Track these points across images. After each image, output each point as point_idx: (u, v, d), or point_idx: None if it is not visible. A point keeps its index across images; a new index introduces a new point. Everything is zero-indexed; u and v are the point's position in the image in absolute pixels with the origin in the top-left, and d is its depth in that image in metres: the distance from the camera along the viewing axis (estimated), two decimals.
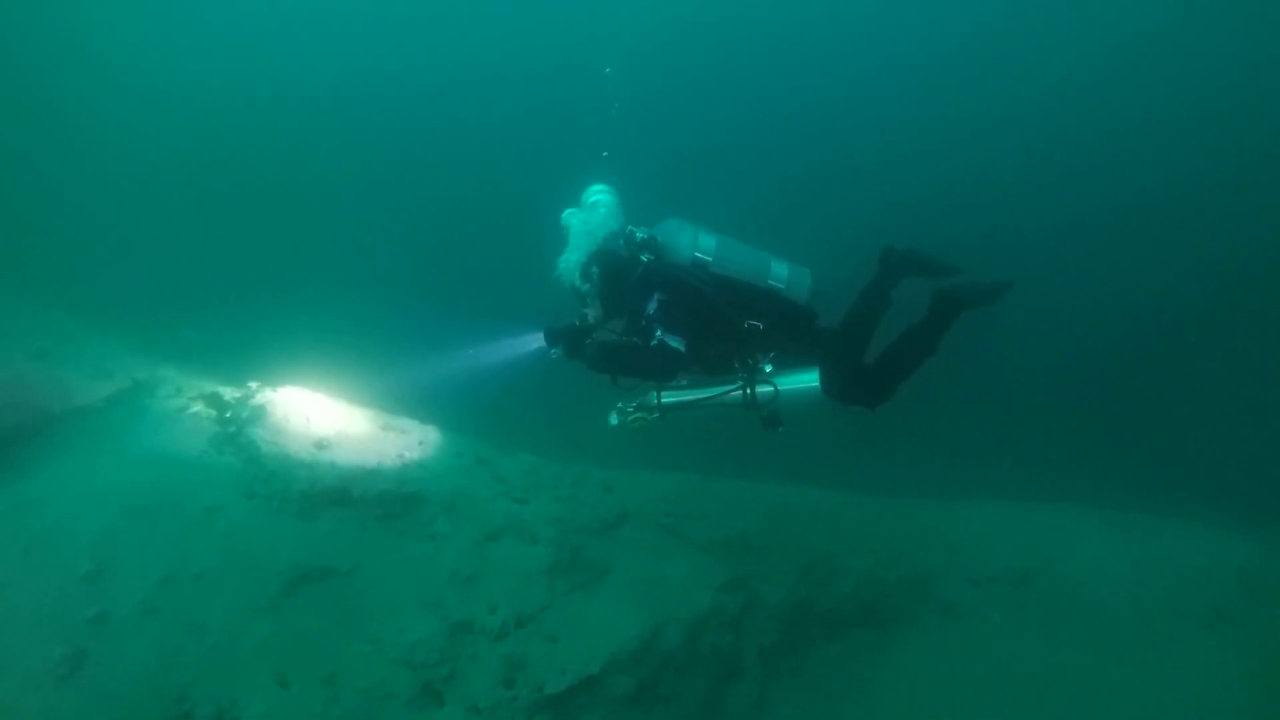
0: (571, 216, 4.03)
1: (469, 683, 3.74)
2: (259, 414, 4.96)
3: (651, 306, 3.82)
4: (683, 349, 3.78)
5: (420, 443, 4.98)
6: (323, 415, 5.08)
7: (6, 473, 4.56)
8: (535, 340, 4.03)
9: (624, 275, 4.00)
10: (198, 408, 5.17)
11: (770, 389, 3.80)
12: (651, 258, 3.94)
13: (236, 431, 4.78)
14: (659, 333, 3.81)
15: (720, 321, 3.85)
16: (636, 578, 4.45)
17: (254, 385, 5.36)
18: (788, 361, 3.91)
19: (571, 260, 4.10)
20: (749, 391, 3.82)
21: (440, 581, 4.08)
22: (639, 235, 4.00)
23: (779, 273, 3.96)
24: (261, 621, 3.74)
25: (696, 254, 3.91)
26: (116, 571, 3.75)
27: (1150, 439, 10.35)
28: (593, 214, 4.03)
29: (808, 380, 3.83)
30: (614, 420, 3.95)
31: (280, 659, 3.62)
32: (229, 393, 5.31)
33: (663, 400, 3.92)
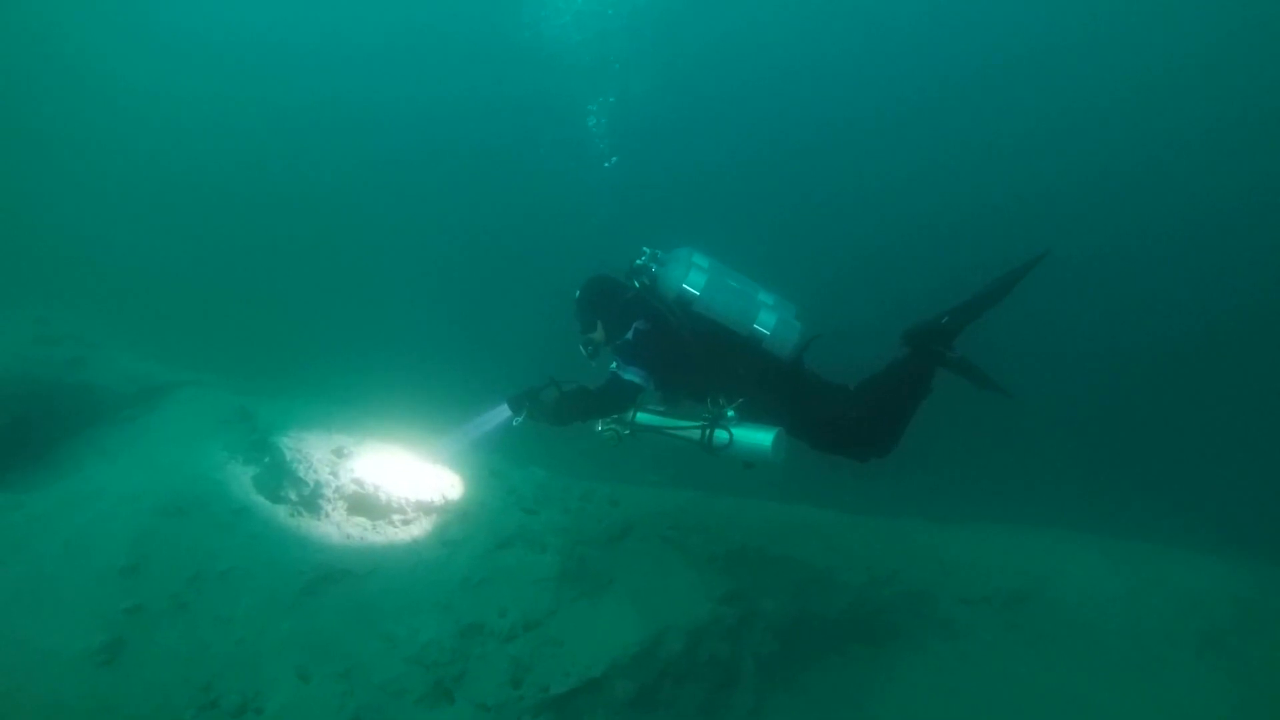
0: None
1: (478, 682, 3.92)
2: (281, 423, 5.20)
3: (629, 333, 4.01)
4: (640, 380, 3.94)
5: (437, 460, 5.21)
6: (340, 427, 5.32)
7: (46, 473, 4.83)
8: (502, 412, 4.20)
9: (615, 296, 4.21)
10: (222, 416, 5.42)
11: (725, 435, 3.90)
12: (643, 284, 4.11)
13: (260, 439, 5.02)
14: (613, 365, 4.00)
15: (691, 359, 3.95)
16: (639, 587, 4.64)
17: (274, 401, 5.62)
18: (756, 412, 3.99)
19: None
20: (706, 433, 3.95)
21: (452, 585, 4.29)
22: (639, 260, 4.17)
23: (765, 321, 3.97)
24: (284, 618, 3.94)
25: (684, 288, 3.98)
26: (151, 567, 3.96)
27: (1145, 466, 10.48)
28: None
29: (761, 439, 3.88)
30: (598, 427, 4.19)
31: (301, 654, 3.81)
32: (251, 403, 5.57)
33: (637, 419, 4.13)
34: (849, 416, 4.03)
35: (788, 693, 4.87)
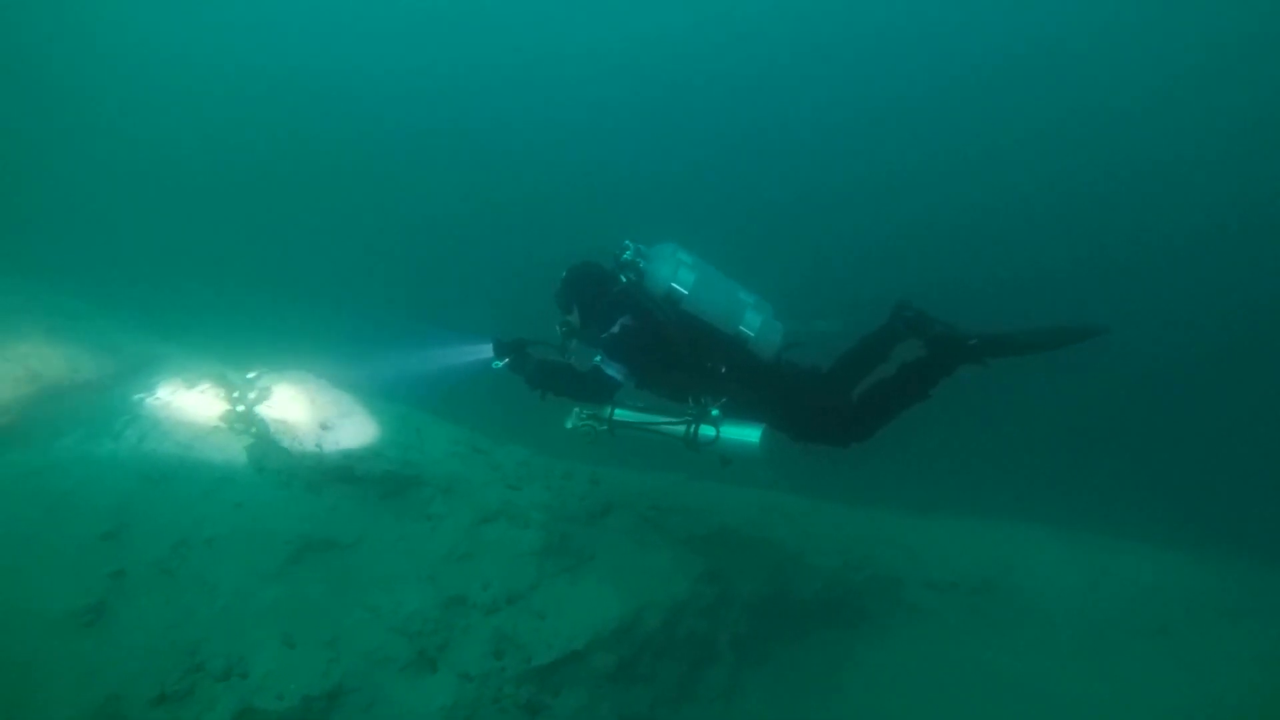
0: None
1: (461, 652, 3.99)
2: (265, 395, 5.20)
3: (615, 328, 4.03)
4: (620, 377, 3.98)
5: (419, 429, 5.25)
6: (324, 399, 5.32)
7: (24, 439, 4.78)
8: (484, 350, 4.25)
9: (601, 288, 4.20)
10: (205, 386, 5.39)
11: (712, 432, 3.97)
12: (630, 279, 4.11)
13: (245, 410, 5.02)
14: (597, 359, 4.04)
15: (675, 357, 4.00)
16: (620, 564, 4.73)
17: (255, 371, 5.60)
18: (739, 409, 4.04)
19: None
20: (690, 429, 4.02)
21: (436, 558, 4.34)
22: (625, 255, 4.15)
23: (751, 322, 4.03)
24: (269, 586, 3.96)
25: (673, 286, 4.01)
26: (134, 533, 3.96)
27: (1108, 463, 10.81)
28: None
29: (748, 435, 3.94)
30: (569, 424, 4.21)
31: (286, 621, 3.84)
32: (234, 374, 5.55)
33: (615, 415, 4.15)
34: (829, 405, 4.13)
35: (762, 670, 5.00)
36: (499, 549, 4.46)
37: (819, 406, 4.11)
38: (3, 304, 5.75)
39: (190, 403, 5.13)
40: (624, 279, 4.12)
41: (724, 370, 4.06)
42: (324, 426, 4.89)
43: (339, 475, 4.55)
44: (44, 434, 4.75)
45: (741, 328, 4.03)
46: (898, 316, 4.22)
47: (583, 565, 4.60)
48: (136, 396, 5.28)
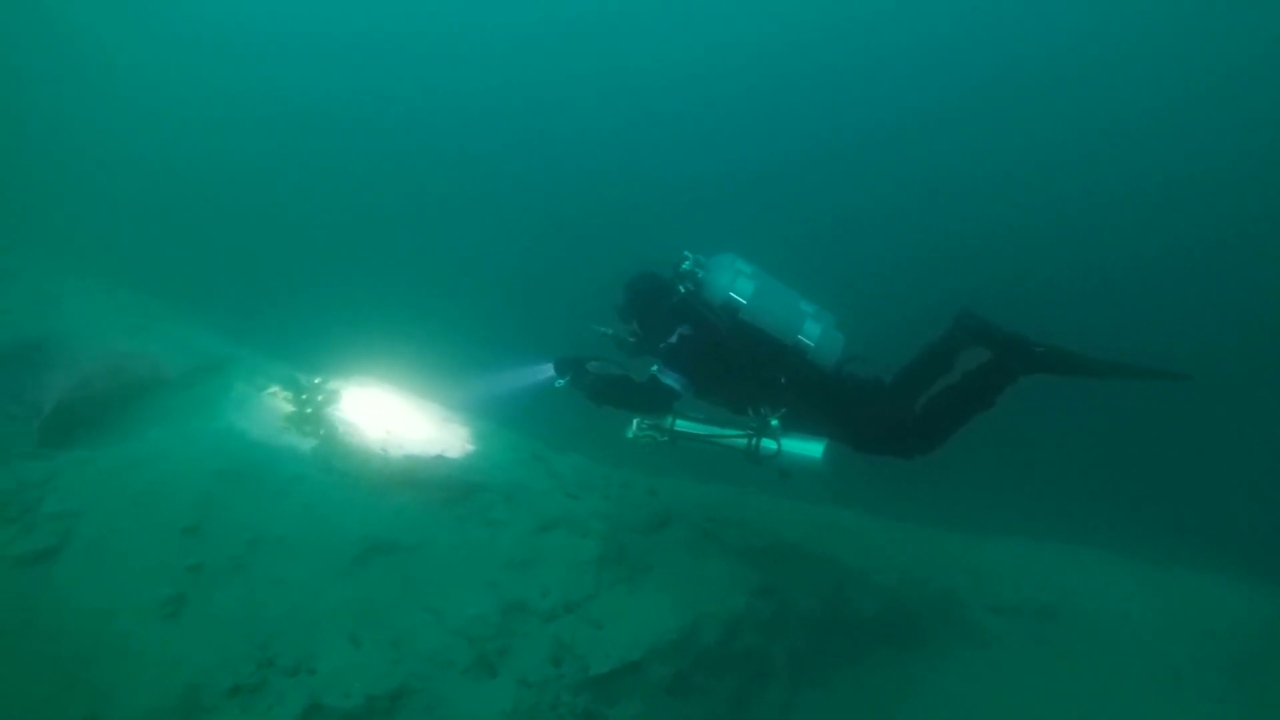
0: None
1: (520, 658, 4.02)
2: (332, 398, 5.34)
3: (673, 338, 4.05)
4: (678, 387, 3.98)
5: (480, 436, 5.33)
6: (389, 404, 5.45)
7: (110, 434, 5.00)
8: (546, 370, 4.29)
9: (659, 298, 4.23)
10: (274, 389, 5.57)
11: (774, 445, 3.94)
12: (688, 289, 4.12)
13: (313, 413, 5.16)
14: (655, 368, 4.04)
15: (734, 367, 3.98)
16: (677, 576, 4.72)
17: (322, 376, 5.76)
18: (800, 421, 4.02)
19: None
20: (752, 442, 3.99)
21: (497, 564, 4.39)
22: (684, 265, 4.17)
23: (810, 332, 3.99)
24: (336, 585, 4.06)
25: (731, 295, 3.99)
26: (211, 529, 4.09)
27: (1180, 489, 10.39)
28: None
29: (811, 450, 3.92)
30: (629, 434, 4.22)
31: (352, 620, 3.93)
32: (303, 378, 5.72)
33: (676, 426, 4.15)
34: (892, 416, 4.08)
35: (818, 690, 4.93)
36: (558, 557, 4.49)
37: (881, 417, 4.06)
38: (91, 304, 6.02)
39: (262, 404, 5.30)
40: (682, 289, 4.14)
41: (783, 380, 4.03)
42: (388, 431, 5.00)
43: (403, 479, 4.64)
44: (129, 430, 4.97)
45: (801, 337, 4.00)
46: (960, 325, 4.16)
47: (640, 576, 4.60)
48: (212, 396, 5.48)
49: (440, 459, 4.83)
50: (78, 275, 6.23)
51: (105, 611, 3.59)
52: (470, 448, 5.09)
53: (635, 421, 4.22)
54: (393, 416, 5.18)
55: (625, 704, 4.11)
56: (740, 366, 4.01)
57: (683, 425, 4.16)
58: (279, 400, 5.37)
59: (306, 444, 4.80)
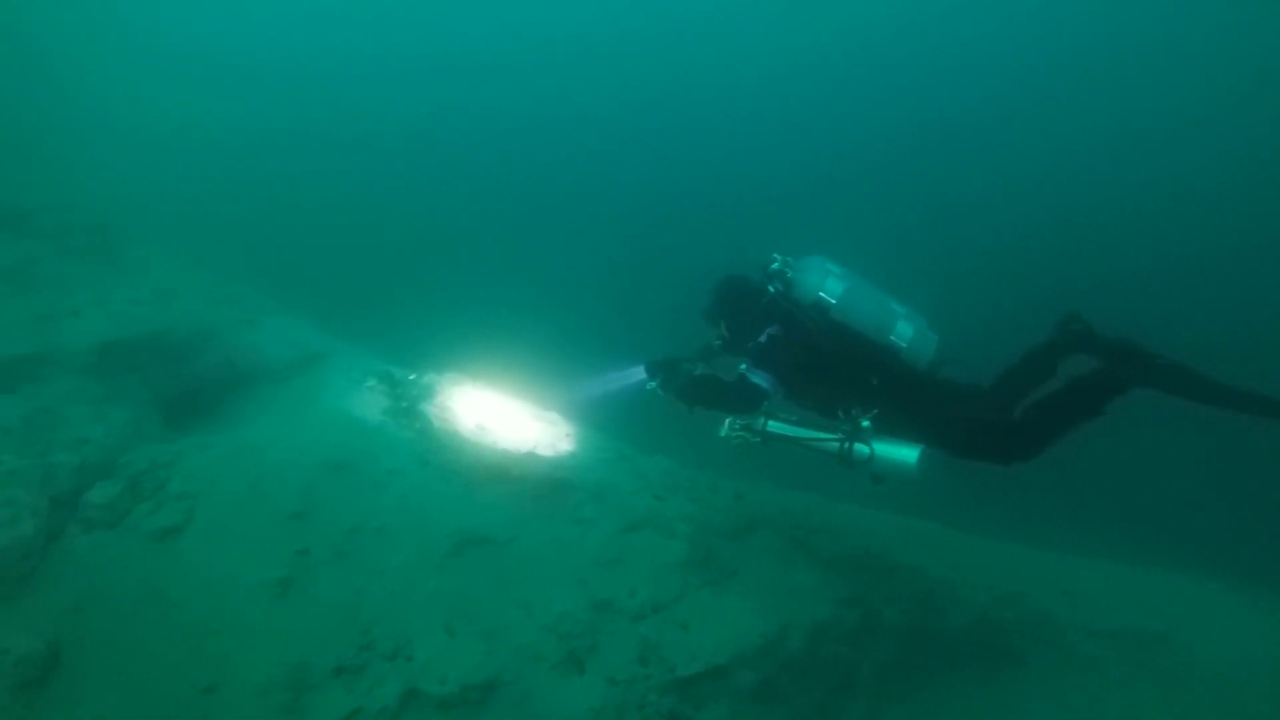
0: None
1: (608, 656, 4.06)
2: (427, 393, 5.51)
3: (762, 337, 4.02)
4: (767, 386, 3.92)
5: (568, 435, 5.41)
6: (482, 401, 5.59)
7: (223, 421, 5.29)
8: (638, 372, 4.31)
9: (748, 300, 4.22)
10: (372, 382, 5.78)
11: (866, 450, 3.85)
12: (778, 290, 4.09)
13: (409, 407, 5.34)
14: (743, 368, 4.00)
15: (824, 367, 3.93)
16: (763, 581, 4.68)
17: (417, 372, 5.95)
18: (892, 423, 3.92)
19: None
20: (845, 446, 3.91)
21: (585, 561, 4.45)
22: (773, 266, 4.16)
23: (903, 332, 3.92)
24: (432, 576, 4.18)
25: (820, 295, 3.95)
26: (316, 516, 4.28)
27: None
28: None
29: (906, 455, 3.81)
30: (722, 432, 4.21)
31: (447, 611, 4.04)
32: (398, 372, 5.92)
33: (768, 427, 4.11)
34: (990, 421, 3.95)
35: (905, 705, 4.81)
36: (646, 557, 4.52)
37: (979, 421, 3.93)
38: (204, 299, 6.36)
39: (361, 397, 5.51)
40: (771, 289, 4.12)
41: (875, 382, 3.96)
42: (481, 427, 5.12)
43: (495, 474, 4.75)
44: (240, 417, 5.24)
45: (892, 338, 3.93)
46: (1065, 330, 4.02)
47: (727, 580, 4.59)
48: (313, 388, 5.73)
49: (531, 455, 4.92)
50: (194, 271, 6.60)
51: (223, 588, 3.80)
52: (560, 446, 5.17)
53: (728, 421, 4.22)
54: (485, 412, 5.31)
55: (711, 707, 4.10)
56: (831, 367, 3.96)
57: (775, 426, 4.14)
58: (376, 394, 5.57)
59: (404, 437, 4.96)
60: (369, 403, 5.44)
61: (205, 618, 3.68)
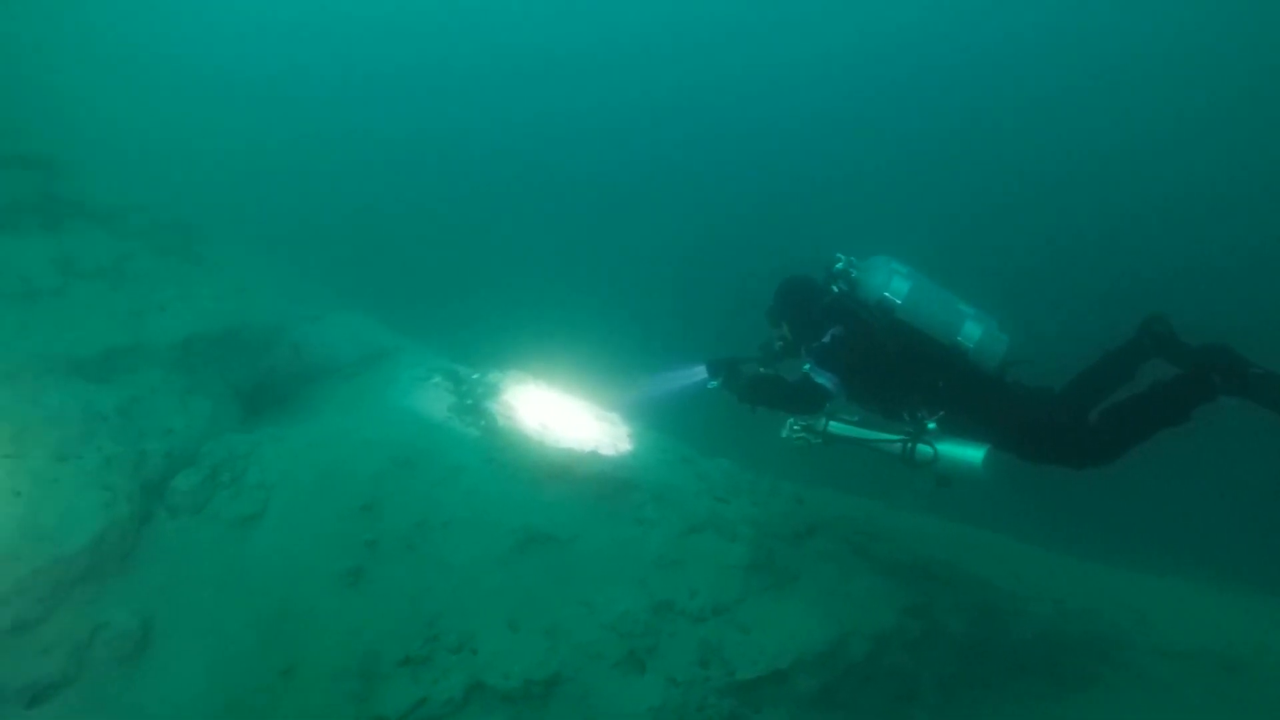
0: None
1: (669, 657, 4.07)
2: (491, 391, 5.60)
3: (826, 338, 3.99)
4: (830, 386, 3.89)
5: (630, 435, 5.44)
6: (544, 400, 5.66)
7: (294, 414, 5.46)
8: (699, 372, 4.30)
9: (811, 300, 4.20)
10: (437, 379, 5.89)
11: (930, 451, 3.78)
12: (841, 290, 4.06)
13: (473, 404, 5.43)
14: (806, 367, 3.96)
15: (888, 368, 3.87)
16: (824, 587, 4.64)
17: (481, 370, 6.05)
18: (958, 425, 3.84)
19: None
20: (908, 447, 3.84)
21: (647, 562, 4.47)
22: (837, 265, 4.15)
23: (970, 333, 3.85)
24: (496, 571, 4.24)
25: (885, 294, 3.90)
26: (385, 509, 4.38)
27: None
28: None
29: (971, 455, 3.74)
30: (783, 434, 4.18)
31: (510, 606, 4.10)
32: (462, 370, 6.02)
33: (829, 428, 4.06)
34: (1064, 423, 3.84)
35: (967, 719, 4.71)
36: (707, 559, 4.52)
37: (1052, 423, 3.82)
38: (276, 295, 6.58)
39: (426, 394, 5.63)
40: (835, 289, 4.08)
41: (941, 384, 3.89)
42: (543, 425, 5.18)
43: (558, 473, 4.80)
44: (311, 411, 5.41)
45: (959, 338, 3.86)
46: (1148, 331, 3.90)
47: (788, 584, 4.56)
48: (380, 384, 5.87)
49: (594, 455, 4.97)
50: (267, 269, 6.82)
51: (297, 575, 3.93)
52: (622, 446, 5.21)
53: (789, 422, 4.20)
54: (548, 411, 5.37)
55: (771, 711, 4.09)
56: (895, 368, 3.91)
57: (836, 427, 4.10)
58: (441, 390, 5.68)
59: (469, 434, 5.05)
60: (434, 399, 5.55)
61: (281, 603, 3.81)
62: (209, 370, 5.13)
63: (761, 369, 4.31)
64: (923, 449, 3.84)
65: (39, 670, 3.05)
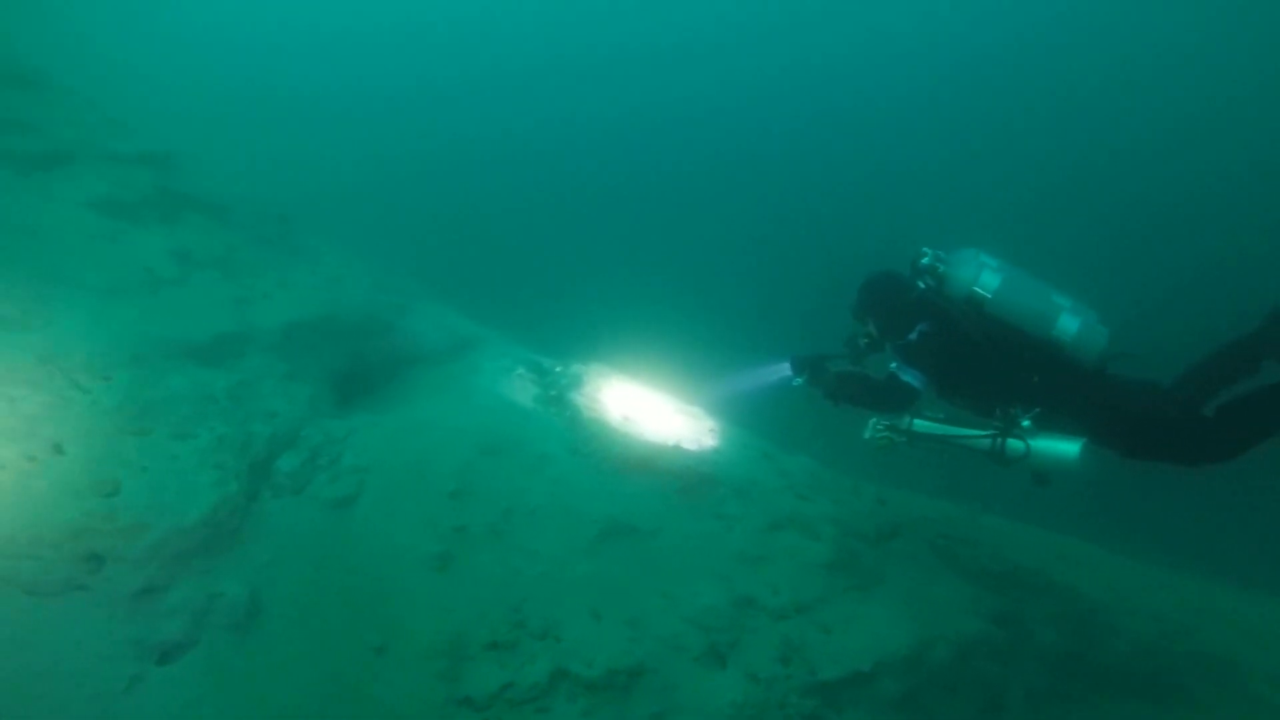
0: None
1: (750, 653, 4.06)
2: (575, 383, 5.68)
3: (912, 335, 3.88)
4: (918, 384, 3.78)
5: (712, 429, 5.44)
6: (627, 393, 5.71)
7: (383, 401, 5.65)
8: (783, 369, 4.24)
9: (898, 295, 4.11)
10: (521, 370, 6.01)
11: (1021, 445, 3.63)
12: (929, 285, 3.97)
13: (558, 395, 5.52)
14: (893, 365, 3.85)
15: (979, 365, 3.76)
16: (907, 590, 4.55)
17: (564, 362, 6.14)
18: (1054, 421, 3.70)
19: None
20: (998, 442, 3.71)
21: (728, 557, 4.46)
22: (924, 260, 4.04)
23: (1067, 326, 3.69)
24: (580, 561, 4.31)
25: (975, 289, 3.79)
26: (472, 496, 4.49)
27: None
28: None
29: (1066, 450, 3.60)
30: (866, 434, 4.10)
31: (594, 595, 4.15)
32: (545, 361, 6.13)
33: (914, 427, 3.96)
34: (1175, 417, 3.64)
35: None
36: (789, 557, 4.49)
37: (1159, 418, 3.63)
38: (365, 285, 6.82)
39: (511, 384, 5.75)
40: (922, 284, 3.98)
41: (1036, 379, 3.75)
42: (626, 418, 5.23)
43: (641, 465, 4.84)
44: (401, 398, 5.58)
45: (1055, 333, 3.71)
46: (1276, 322, 3.65)
47: (871, 586, 4.49)
48: (465, 373, 6.02)
49: (677, 449, 4.99)
50: (358, 260, 7.07)
51: (390, 556, 4.06)
52: (704, 441, 5.21)
53: (872, 421, 4.13)
54: (630, 404, 5.42)
55: (852, 713, 4.03)
56: (987, 365, 3.79)
57: (921, 425, 4.01)
58: (526, 381, 5.79)
59: (554, 424, 5.13)
60: (520, 389, 5.67)
61: (375, 583, 3.95)
62: (307, 356, 5.35)
63: (848, 367, 4.25)
64: (1014, 444, 3.74)
65: (167, 630, 3.26)
